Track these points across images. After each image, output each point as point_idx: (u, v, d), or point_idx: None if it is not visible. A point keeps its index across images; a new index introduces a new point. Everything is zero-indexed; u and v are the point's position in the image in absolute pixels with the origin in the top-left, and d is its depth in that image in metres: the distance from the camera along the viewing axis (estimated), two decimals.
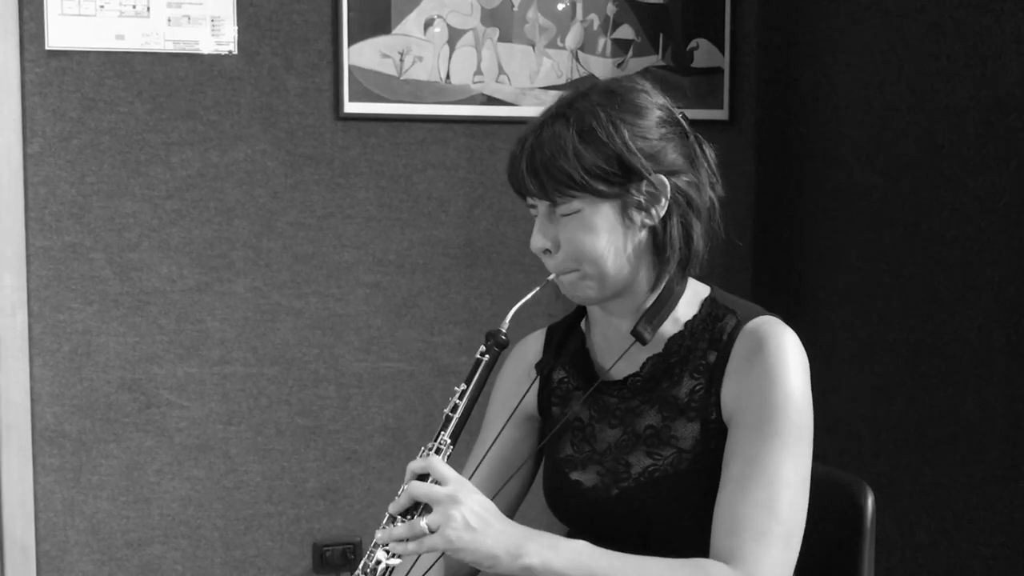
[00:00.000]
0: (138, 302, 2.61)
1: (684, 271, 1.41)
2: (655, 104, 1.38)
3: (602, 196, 1.33)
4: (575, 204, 1.34)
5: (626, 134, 1.33)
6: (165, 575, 2.66)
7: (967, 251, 2.16)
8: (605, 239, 1.35)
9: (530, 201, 1.39)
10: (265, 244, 2.67)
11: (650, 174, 1.33)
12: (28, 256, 2.55)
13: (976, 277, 2.14)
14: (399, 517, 1.28)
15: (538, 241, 1.38)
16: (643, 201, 1.35)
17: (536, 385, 1.54)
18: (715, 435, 1.36)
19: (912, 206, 2.32)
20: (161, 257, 2.62)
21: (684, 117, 1.41)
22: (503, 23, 2.72)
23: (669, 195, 1.35)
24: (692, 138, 1.41)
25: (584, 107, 1.35)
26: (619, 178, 1.33)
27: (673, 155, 1.36)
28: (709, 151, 1.43)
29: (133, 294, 2.61)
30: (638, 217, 1.36)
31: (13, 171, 2.52)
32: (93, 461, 2.61)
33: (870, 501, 1.51)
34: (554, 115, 1.36)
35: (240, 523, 2.69)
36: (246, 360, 2.67)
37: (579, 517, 1.46)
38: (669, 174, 1.35)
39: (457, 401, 1.34)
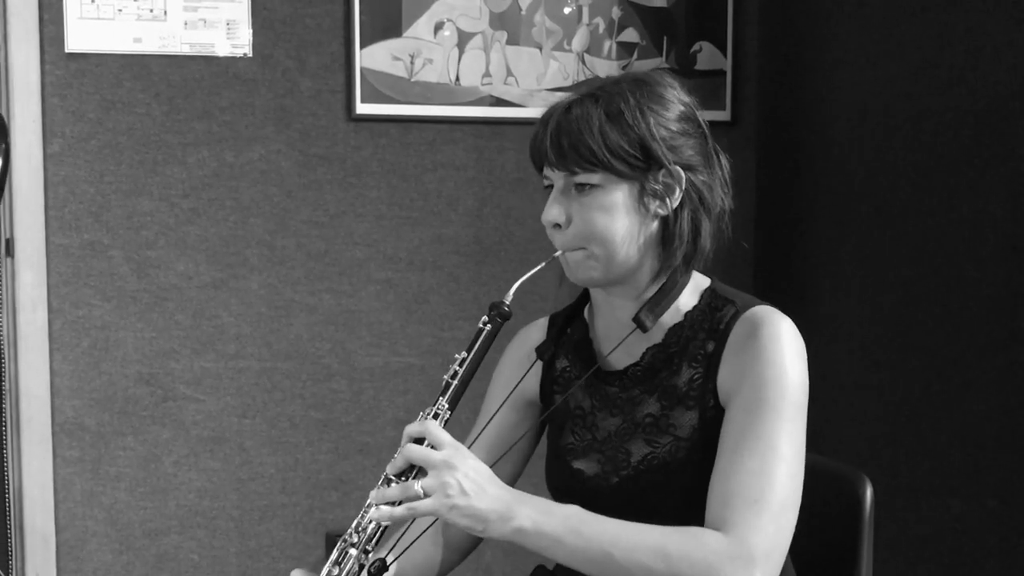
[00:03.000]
0: (155, 298, 2.65)
1: (688, 265, 1.42)
2: (680, 100, 1.40)
3: (620, 176, 1.35)
4: (594, 178, 1.35)
5: (651, 121, 1.35)
6: (181, 564, 2.70)
7: (964, 248, 2.17)
8: (618, 221, 1.36)
9: (547, 174, 1.40)
10: (279, 242, 2.71)
11: (669, 164, 1.35)
12: (48, 253, 2.59)
13: (973, 274, 2.15)
14: (394, 478, 1.28)
15: (551, 213, 1.38)
16: (659, 189, 1.36)
17: (539, 371, 1.55)
18: (713, 423, 1.36)
19: (910, 205, 2.33)
20: (178, 254, 2.66)
21: (705, 121, 1.43)
22: (511, 26, 2.76)
23: (684, 187, 1.37)
24: (711, 144, 1.42)
25: (614, 90, 1.37)
26: (639, 162, 1.35)
27: (691, 151, 1.38)
28: (725, 161, 1.44)
29: (150, 290, 2.65)
30: (652, 205, 1.37)
31: (34, 171, 2.56)
32: (111, 453, 2.65)
33: (869, 493, 1.51)
34: (584, 95, 1.38)
35: (255, 513, 2.74)
36: (261, 355, 2.71)
37: (581, 504, 1.45)
38: (686, 168, 1.37)
39: (457, 368, 1.34)
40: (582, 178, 1.36)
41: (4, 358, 2.59)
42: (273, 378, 2.73)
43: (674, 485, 1.38)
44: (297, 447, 2.75)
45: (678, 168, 1.37)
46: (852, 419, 2.50)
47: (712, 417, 1.37)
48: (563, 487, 1.50)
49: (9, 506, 2.60)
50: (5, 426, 2.59)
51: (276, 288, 2.72)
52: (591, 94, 1.38)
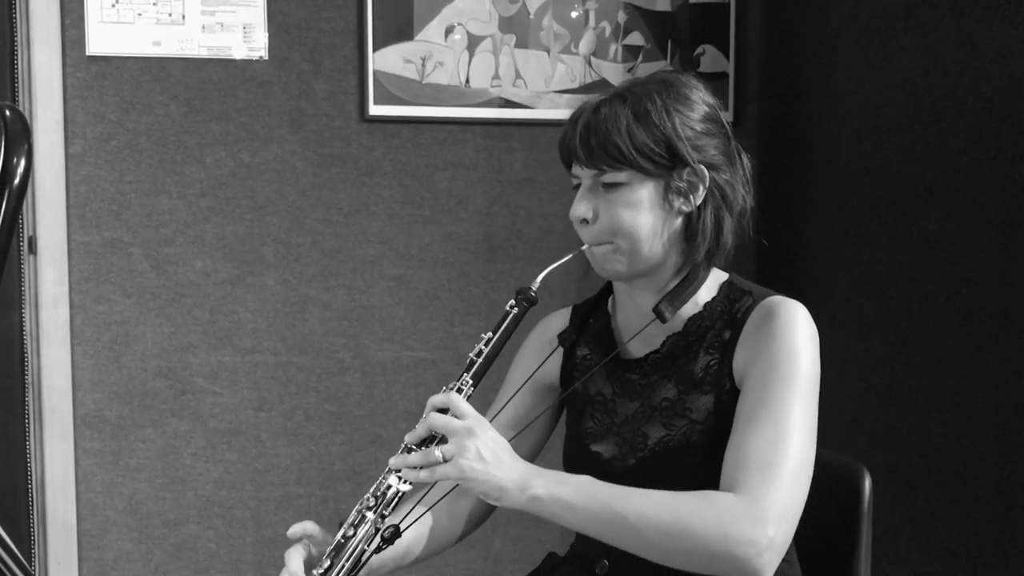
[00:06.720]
0: (174, 294, 2.69)
1: (710, 261, 1.46)
2: (704, 101, 1.44)
3: (646, 174, 1.39)
4: (621, 176, 1.39)
5: (677, 121, 1.39)
6: (199, 553, 2.73)
7: (962, 246, 2.19)
8: (643, 217, 1.40)
9: (575, 172, 1.44)
10: (294, 239, 2.73)
11: (693, 162, 1.40)
12: (69, 251, 2.61)
13: (971, 271, 2.17)
14: (414, 447, 1.31)
15: (579, 209, 1.42)
16: (683, 187, 1.41)
17: (560, 358, 1.58)
18: (728, 407, 1.39)
19: (910, 204, 2.35)
20: (196, 252, 2.69)
21: (728, 122, 1.48)
22: (520, 30, 2.80)
23: (707, 185, 1.41)
24: (733, 144, 1.47)
25: (642, 91, 1.41)
26: (665, 160, 1.39)
27: (714, 151, 1.43)
28: (747, 161, 1.49)
29: (169, 287, 2.68)
30: (676, 202, 1.41)
31: (56, 170, 2.59)
32: (131, 445, 2.68)
33: (867, 484, 1.52)
34: (613, 95, 1.43)
35: (271, 504, 2.76)
36: (276, 349, 2.74)
37: None
38: (709, 167, 1.41)
39: (483, 347, 1.38)
40: (609, 176, 1.40)
41: (27, 352, 2.62)
42: (288, 372, 2.76)
43: (688, 467, 1.41)
44: (312, 439, 2.78)
45: (702, 167, 1.41)
46: (851, 411, 2.51)
47: (727, 401, 1.40)
48: (580, 470, 1.51)
49: (32, 497, 2.63)
50: (28, 419, 2.63)
51: (291, 284, 2.75)
52: (619, 94, 1.42)
